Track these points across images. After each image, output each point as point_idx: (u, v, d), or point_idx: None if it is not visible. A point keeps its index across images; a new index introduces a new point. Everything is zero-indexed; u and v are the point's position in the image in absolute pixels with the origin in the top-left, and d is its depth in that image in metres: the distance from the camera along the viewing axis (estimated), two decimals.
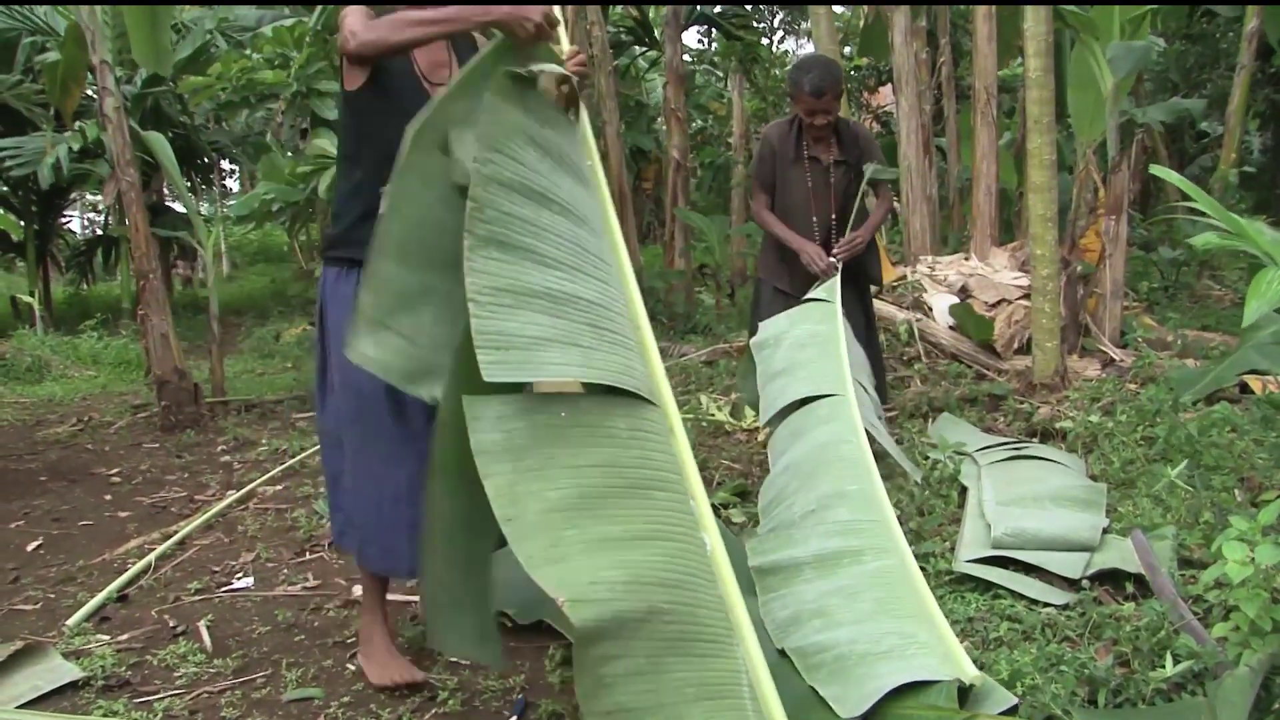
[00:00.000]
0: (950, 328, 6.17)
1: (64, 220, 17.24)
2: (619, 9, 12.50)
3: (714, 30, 13.74)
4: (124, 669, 2.77)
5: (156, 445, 5.75)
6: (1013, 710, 2.08)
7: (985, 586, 2.81)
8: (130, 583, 3.46)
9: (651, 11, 12.50)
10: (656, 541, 1.89)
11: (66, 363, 8.69)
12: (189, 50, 10.37)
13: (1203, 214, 3.09)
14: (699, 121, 16.01)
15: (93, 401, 7.21)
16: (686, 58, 13.61)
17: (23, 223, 14.19)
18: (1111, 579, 2.81)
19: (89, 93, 9.33)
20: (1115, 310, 6.18)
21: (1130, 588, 2.74)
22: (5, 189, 13.90)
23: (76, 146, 10.38)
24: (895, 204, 7.65)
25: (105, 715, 2.49)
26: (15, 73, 11.58)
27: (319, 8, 7.03)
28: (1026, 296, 6.17)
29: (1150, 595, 2.63)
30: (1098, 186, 6.59)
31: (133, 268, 6.45)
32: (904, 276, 6.88)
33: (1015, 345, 6.04)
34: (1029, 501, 3.26)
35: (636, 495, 1.90)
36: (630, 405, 1.94)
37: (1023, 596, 2.74)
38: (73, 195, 17.47)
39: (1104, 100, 6.07)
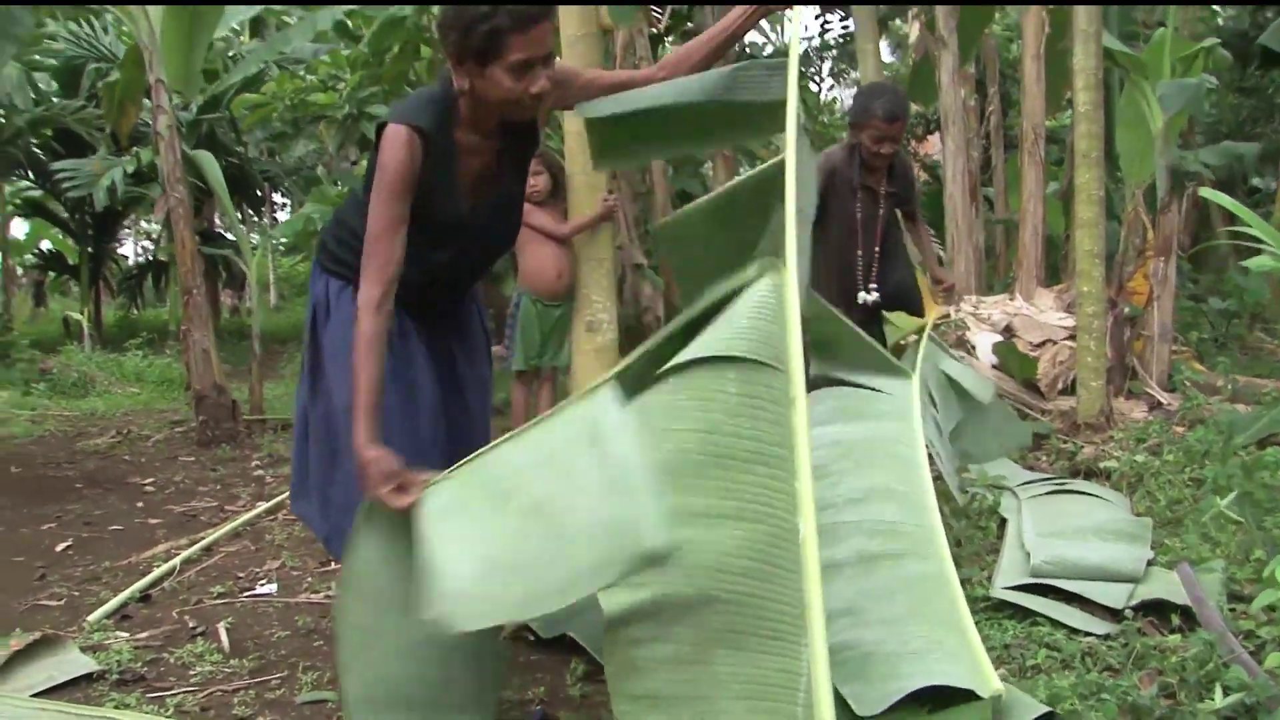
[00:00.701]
0: (994, 367, 6.06)
1: (117, 245, 17.59)
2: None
3: None
4: (140, 665, 2.75)
5: (192, 459, 5.78)
6: (1049, 715, 1.98)
7: (1023, 614, 2.71)
8: (154, 584, 3.45)
9: None
10: (740, 522, 1.76)
11: (111, 379, 8.80)
12: (239, 77, 10.54)
13: (1254, 243, 3.01)
14: (746, 167, 16.06)
15: (133, 416, 7.28)
16: None
17: (77, 245, 14.53)
18: (1156, 611, 2.70)
19: (145, 118, 9.52)
20: (1163, 353, 6.04)
21: (1176, 620, 2.62)
22: (64, 213, 14.25)
23: (131, 169, 10.59)
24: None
25: (117, 707, 2.46)
26: (79, 98, 11.93)
27: (368, 34, 7.13)
28: (1072, 337, 6.05)
29: (1197, 628, 2.51)
30: (1146, 229, 6.49)
31: (179, 286, 6.53)
32: (947, 315, 6.78)
33: (1059, 386, 5.91)
34: (1070, 534, 3.16)
35: (731, 468, 1.78)
36: (748, 370, 1.82)
37: (1062, 625, 2.63)
38: (127, 221, 17.86)
39: (1153, 140, 5.99)
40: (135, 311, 15.79)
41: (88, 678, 2.64)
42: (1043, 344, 6.19)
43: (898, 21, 14.48)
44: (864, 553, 2.45)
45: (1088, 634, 2.59)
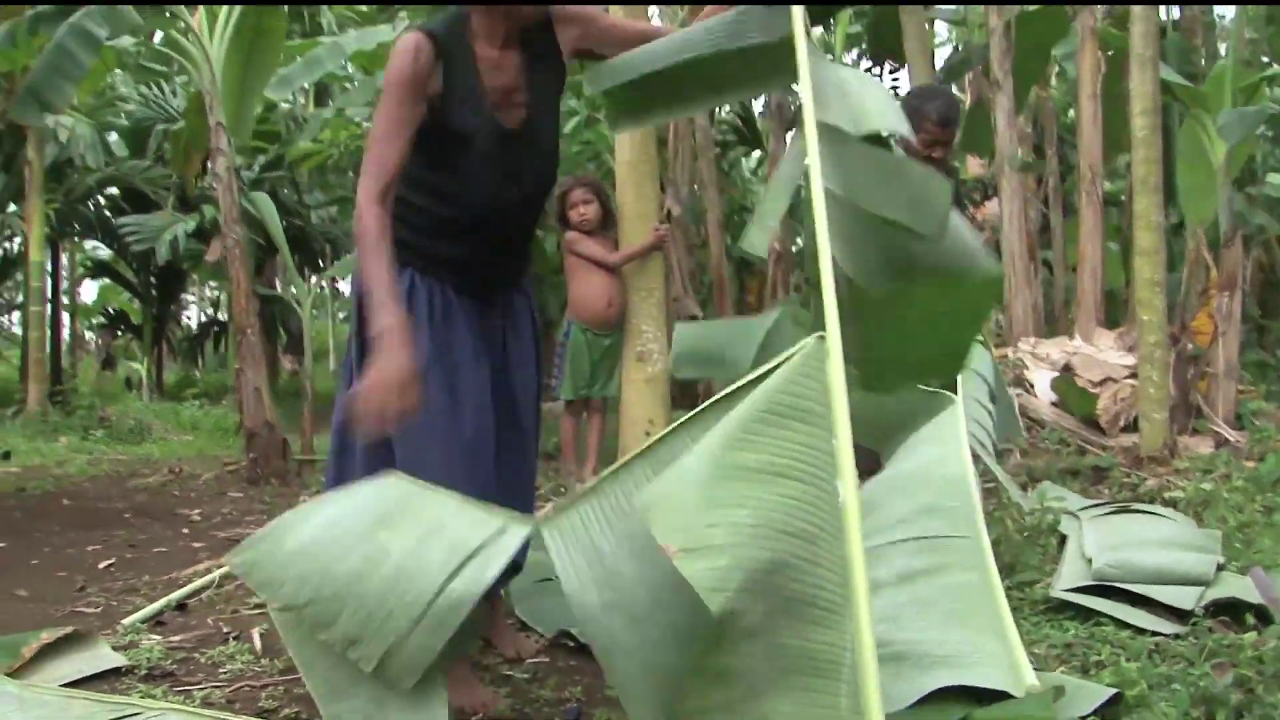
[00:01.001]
0: (1052, 404, 5.89)
1: (181, 307, 18.00)
2: (725, 110, 12.61)
3: None
4: (170, 663, 2.70)
5: (241, 494, 5.79)
6: (1115, 700, 1.85)
7: (1085, 616, 2.57)
8: (192, 595, 3.41)
9: (756, 108, 12.65)
10: (788, 480, 1.65)
11: (167, 427, 8.91)
12: (303, 140, 10.76)
13: None
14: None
15: (186, 460, 7.34)
16: None
17: (142, 306, 14.90)
18: (1228, 613, 2.54)
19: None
20: (1229, 391, 5.85)
21: (1251, 621, 2.46)
22: (130, 274, 14.65)
23: (194, 226, 10.86)
24: None
25: (143, 697, 2.40)
26: (147, 159, 12.33)
27: None
28: (1133, 376, 5.88)
29: (1272, 624, 2.35)
30: (1209, 267, 6.34)
31: (233, 325, 6.63)
32: (1004, 355, 6.63)
33: (1121, 423, 5.72)
34: (1135, 544, 3.00)
35: (774, 424, 1.68)
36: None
37: (1127, 625, 2.48)
38: (191, 285, 18.33)
39: (1214, 175, 5.87)
40: (196, 373, 16.05)
41: (115, 672, 2.60)
42: (1103, 382, 6.02)
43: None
44: (906, 569, 2.33)
45: (1155, 633, 2.43)
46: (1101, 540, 3.12)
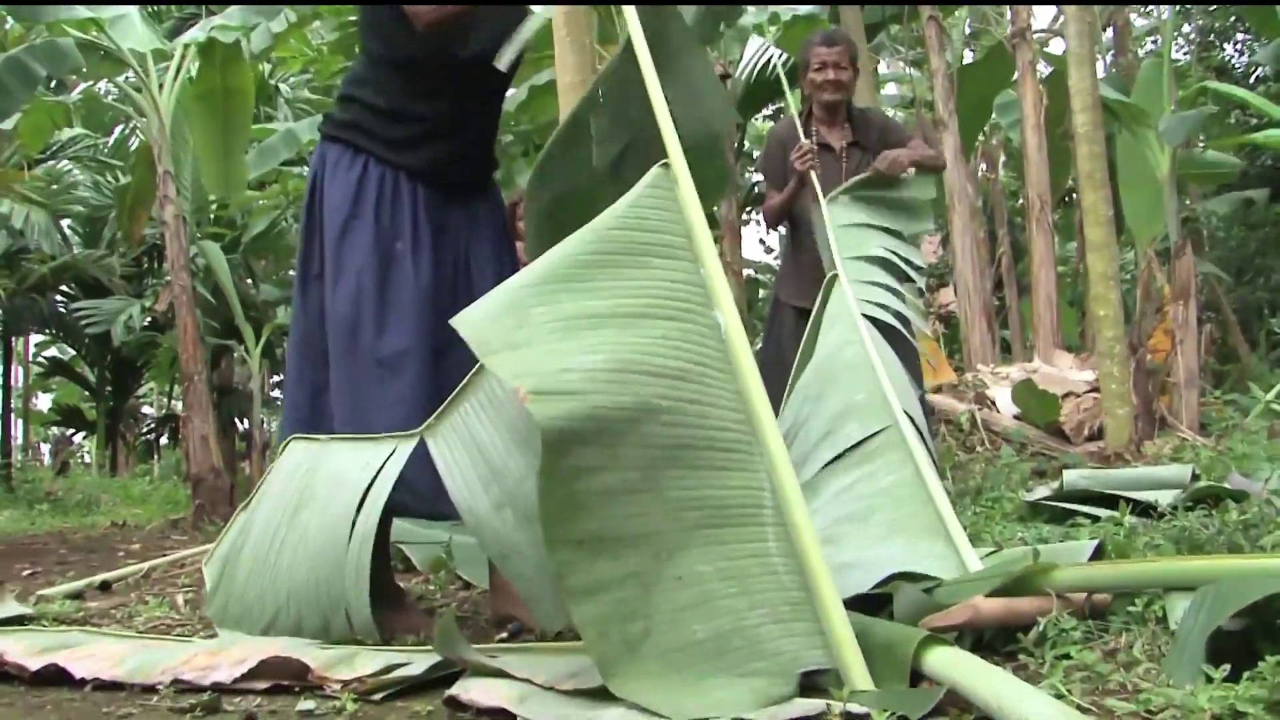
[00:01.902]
0: (1015, 416, 5.82)
1: (136, 403, 17.62)
2: None
3: None
4: (79, 614, 2.50)
5: (185, 537, 5.54)
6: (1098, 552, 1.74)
7: (1061, 519, 2.44)
8: (119, 580, 3.20)
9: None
10: (654, 320, 1.57)
11: (116, 500, 8.63)
12: (259, 226, 10.70)
13: None
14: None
15: (132, 517, 7.08)
16: (749, 272, 13.86)
17: (96, 403, 14.61)
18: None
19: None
20: (1191, 400, 5.81)
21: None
22: (84, 368, 14.40)
23: (149, 304, 10.72)
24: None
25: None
26: (101, 247, 12.24)
27: None
28: (1094, 390, 5.84)
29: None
30: (1163, 286, 6.38)
31: (180, 373, 6.46)
32: (964, 379, 6.58)
33: (1085, 432, 5.65)
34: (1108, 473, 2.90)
35: (628, 265, 1.60)
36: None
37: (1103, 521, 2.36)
38: (145, 385, 18.03)
39: (1160, 188, 5.94)
40: (152, 463, 15.70)
41: (19, 621, 2.39)
42: (1065, 396, 5.97)
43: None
44: (838, 488, 2.23)
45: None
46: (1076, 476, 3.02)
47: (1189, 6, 10.11)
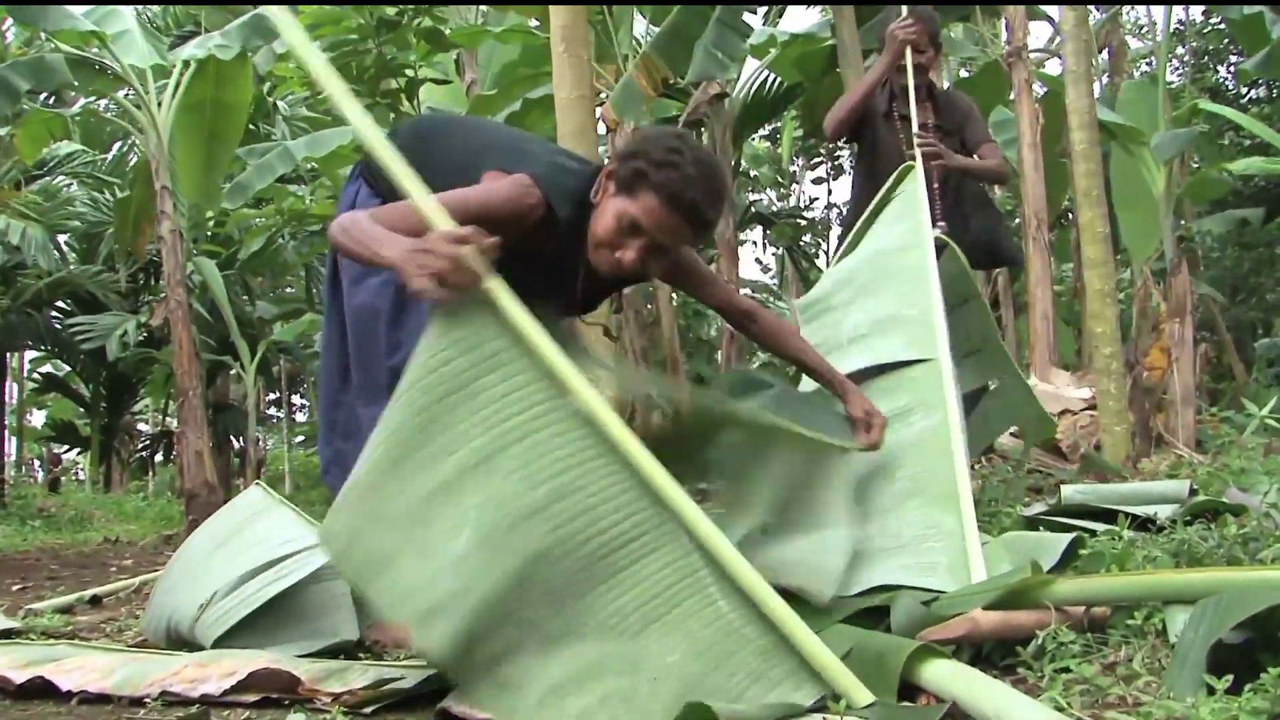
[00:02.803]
0: (1011, 434, 5.80)
1: (130, 419, 17.57)
2: None
3: (767, 229, 13.93)
4: (68, 628, 2.48)
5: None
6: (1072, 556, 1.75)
7: (1060, 532, 2.41)
8: (109, 595, 3.18)
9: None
10: (504, 454, 1.46)
11: (109, 516, 8.59)
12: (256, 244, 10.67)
13: None
14: (761, 354, 15.63)
15: (125, 534, 7.04)
16: (746, 291, 13.89)
17: (90, 419, 14.56)
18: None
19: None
20: (1188, 418, 5.80)
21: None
22: (78, 384, 14.36)
23: (145, 320, 10.70)
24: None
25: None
26: (98, 263, 12.23)
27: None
28: (1091, 408, 5.83)
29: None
30: (1159, 304, 6.38)
31: (175, 388, 6.44)
32: None
33: (1082, 450, 5.64)
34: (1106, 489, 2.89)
35: (459, 404, 1.48)
36: None
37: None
38: (141, 401, 18.00)
39: (1156, 206, 5.96)
40: (147, 478, 15.65)
41: (8, 636, 2.37)
42: (1061, 414, 5.95)
43: None
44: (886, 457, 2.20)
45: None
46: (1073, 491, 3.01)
47: (1184, 28, 10.17)
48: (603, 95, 7.19)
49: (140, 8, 7.00)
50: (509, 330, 1.53)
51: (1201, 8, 10.13)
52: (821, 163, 13.34)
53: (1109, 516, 2.40)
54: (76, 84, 6.25)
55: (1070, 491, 2.63)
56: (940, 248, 2.94)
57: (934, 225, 3.31)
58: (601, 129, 8.37)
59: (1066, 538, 1.82)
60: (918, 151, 3.26)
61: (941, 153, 3.37)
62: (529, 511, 1.45)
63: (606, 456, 1.51)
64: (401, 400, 1.51)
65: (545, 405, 1.51)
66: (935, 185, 3.46)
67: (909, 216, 2.44)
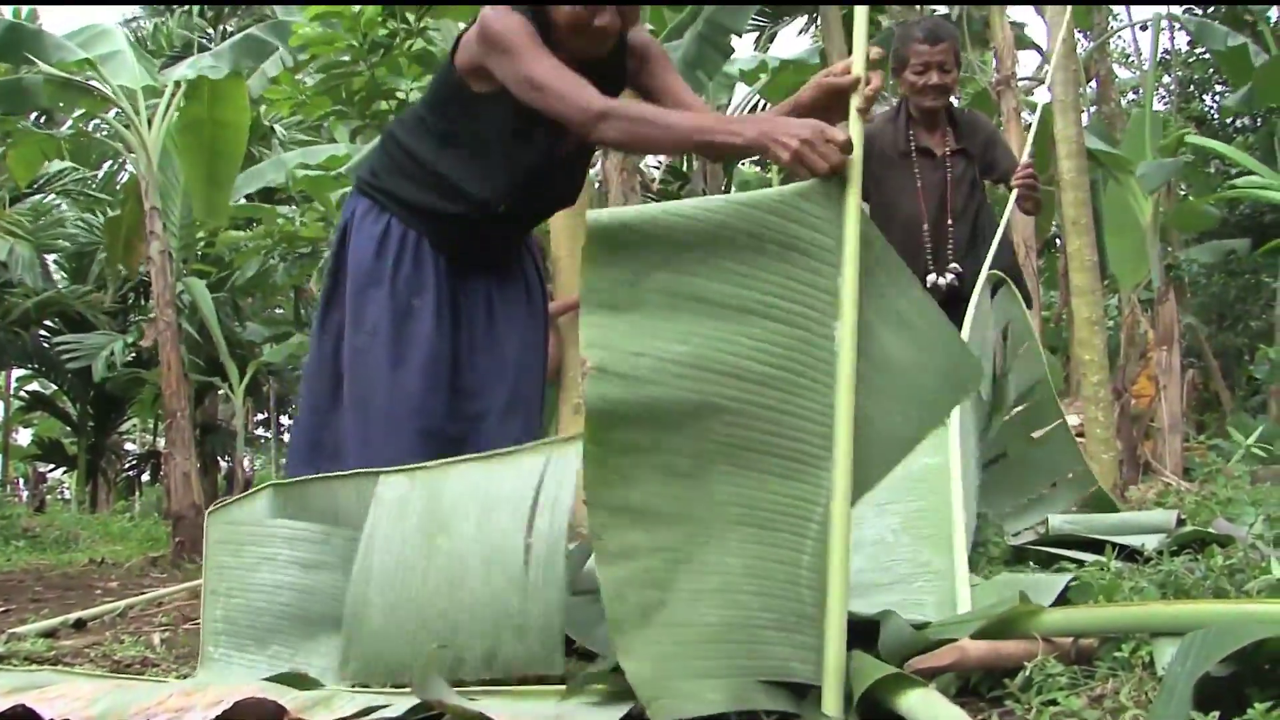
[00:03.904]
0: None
1: (117, 438, 17.48)
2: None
3: None
4: (51, 653, 2.46)
5: (165, 575, 5.47)
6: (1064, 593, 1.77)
7: (1046, 563, 2.42)
8: (94, 619, 3.15)
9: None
10: (766, 320, 1.54)
11: (95, 537, 8.52)
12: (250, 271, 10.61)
13: None
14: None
15: (110, 554, 6.98)
16: None
17: (77, 438, 14.48)
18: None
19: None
20: (1175, 445, 5.84)
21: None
22: (65, 403, 14.29)
23: (133, 340, 10.68)
24: None
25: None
26: (88, 282, 12.21)
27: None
28: (1080, 435, 5.86)
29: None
30: (1146, 331, 6.42)
31: (163, 409, 6.42)
32: None
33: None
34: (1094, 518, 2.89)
35: (770, 253, 1.54)
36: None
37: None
38: (128, 421, 17.92)
39: (1143, 234, 6.00)
40: (134, 498, 15.55)
41: None
42: None
43: None
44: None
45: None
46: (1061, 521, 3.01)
47: (1170, 57, 10.28)
48: None
49: (132, 29, 7.01)
50: (843, 237, 1.60)
51: (1187, 37, 10.26)
52: None
53: (1097, 546, 2.41)
54: (61, 105, 6.25)
55: (1058, 521, 2.64)
56: (997, 285, 2.94)
57: (945, 270, 3.33)
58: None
59: (1060, 581, 1.86)
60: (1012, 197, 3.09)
61: (1036, 187, 3.17)
62: (739, 374, 1.52)
63: (827, 387, 1.57)
64: (738, 202, 1.57)
65: (819, 312, 1.58)
66: (949, 223, 3.35)
67: None
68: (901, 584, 2.02)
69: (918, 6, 7.85)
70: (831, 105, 1.75)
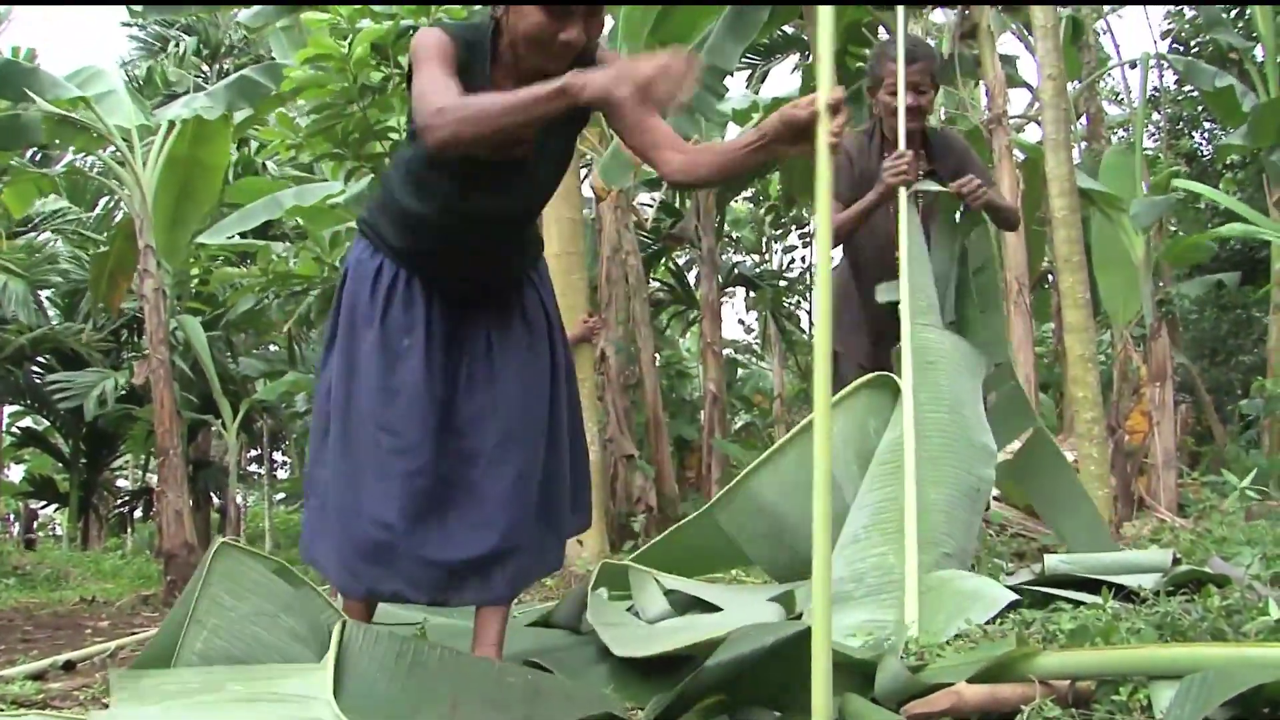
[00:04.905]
0: (994, 498, 5.81)
1: (109, 475, 17.39)
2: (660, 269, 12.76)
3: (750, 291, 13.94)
4: (39, 695, 2.43)
5: (156, 615, 5.42)
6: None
7: (1042, 604, 2.41)
8: (84, 660, 3.12)
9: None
10: None
11: (86, 575, 8.46)
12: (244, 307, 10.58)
13: None
14: (744, 415, 15.47)
15: (101, 593, 6.93)
16: (728, 351, 13.95)
17: (69, 474, 14.42)
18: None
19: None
20: (1169, 481, 5.83)
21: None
22: (58, 439, 14.23)
23: (124, 379, 10.64)
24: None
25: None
26: (79, 320, 12.19)
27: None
28: (1075, 471, 5.86)
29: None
30: (1139, 367, 6.43)
31: (155, 447, 6.40)
32: None
33: None
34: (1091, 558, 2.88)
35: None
36: None
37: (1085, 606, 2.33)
38: (120, 457, 17.83)
39: (1135, 271, 6.04)
40: (126, 535, 15.45)
41: None
42: None
43: None
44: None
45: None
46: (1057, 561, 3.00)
47: (1159, 94, 10.38)
48: (588, 156, 7.27)
49: (127, 70, 7.05)
50: None
51: (1174, 75, 10.38)
52: (788, 232, 13.48)
53: (1093, 586, 2.40)
54: (58, 142, 6.29)
55: (1054, 561, 2.63)
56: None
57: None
58: (588, 190, 8.45)
59: (1004, 596, 2.09)
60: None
61: (985, 191, 3.12)
62: None
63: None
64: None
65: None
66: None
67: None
68: (871, 597, 2.12)
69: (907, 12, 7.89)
70: (793, 138, 1.77)
